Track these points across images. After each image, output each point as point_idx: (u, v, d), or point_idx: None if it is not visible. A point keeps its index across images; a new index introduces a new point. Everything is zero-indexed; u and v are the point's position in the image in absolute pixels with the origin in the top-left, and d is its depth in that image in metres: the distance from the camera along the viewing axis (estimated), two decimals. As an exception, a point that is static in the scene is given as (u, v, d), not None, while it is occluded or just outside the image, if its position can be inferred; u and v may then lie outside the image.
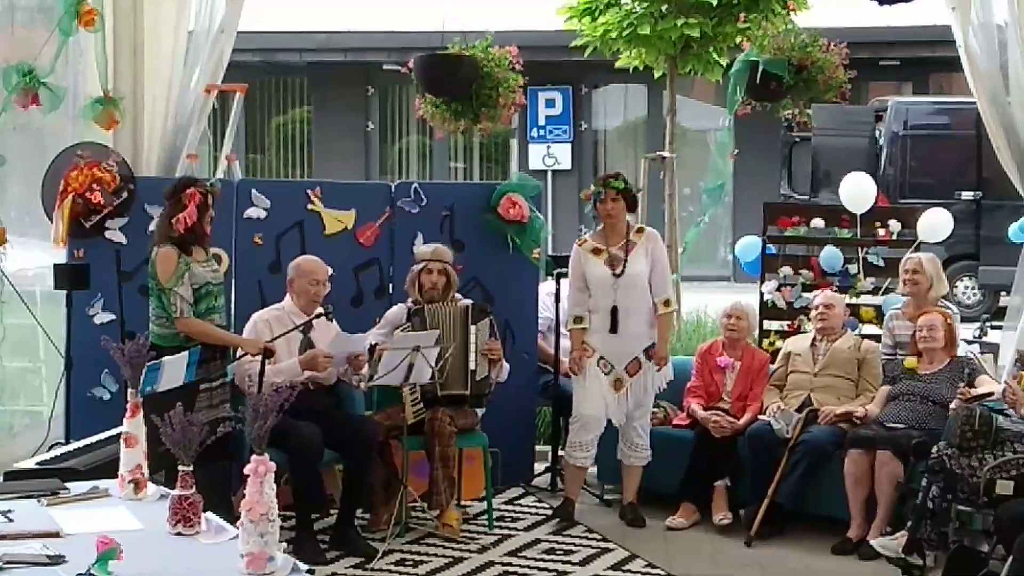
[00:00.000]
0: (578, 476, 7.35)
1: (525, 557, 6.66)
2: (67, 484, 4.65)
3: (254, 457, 3.75)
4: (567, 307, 7.37)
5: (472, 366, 6.99)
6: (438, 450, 6.83)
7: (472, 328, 7.01)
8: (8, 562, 3.67)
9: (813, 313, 7.60)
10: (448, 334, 6.95)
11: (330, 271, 6.97)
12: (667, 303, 7.24)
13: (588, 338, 7.16)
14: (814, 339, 7.54)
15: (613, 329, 7.10)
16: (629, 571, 6.47)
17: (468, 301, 7.22)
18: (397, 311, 7.21)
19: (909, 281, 7.47)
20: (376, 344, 6.86)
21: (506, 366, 7.22)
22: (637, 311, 7.12)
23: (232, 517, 4.32)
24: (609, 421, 7.23)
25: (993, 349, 7.98)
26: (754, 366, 7.58)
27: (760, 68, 9.44)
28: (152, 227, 6.72)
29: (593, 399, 7.14)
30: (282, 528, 3.88)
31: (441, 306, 7.06)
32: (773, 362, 7.76)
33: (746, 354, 7.63)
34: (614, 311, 7.08)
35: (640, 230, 7.27)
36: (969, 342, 7.80)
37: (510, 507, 7.57)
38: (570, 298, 7.31)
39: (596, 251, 7.18)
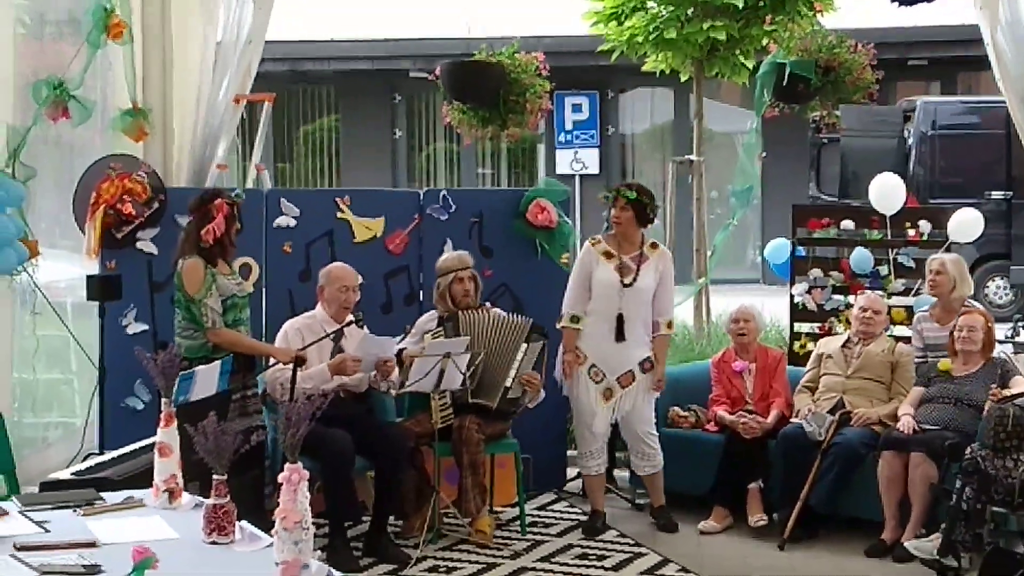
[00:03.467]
0: (597, 484, 7.33)
1: (558, 563, 6.66)
2: (102, 494, 4.67)
3: (288, 465, 3.75)
4: (565, 302, 7.18)
5: (508, 382, 7.00)
6: (466, 458, 6.84)
7: (523, 346, 7.02)
8: (45, 572, 3.69)
9: (856, 313, 7.52)
10: (480, 341, 6.97)
11: (360, 279, 6.99)
12: (670, 324, 7.26)
13: (580, 344, 7.12)
14: (847, 341, 7.51)
15: (620, 338, 7.05)
16: (662, 575, 6.46)
17: (500, 311, 7.22)
18: (428, 318, 7.24)
19: (931, 282, 7.44)
20: (403, 349, 6.88)
21: (542, 394, 7.20)
22: (638, 324, 7.09)
23: (266, 525, 4.34)
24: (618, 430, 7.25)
25: (1025, 349, 7.94)
26: (769, 364, 7.58)
27: (787, 70, 9.42)
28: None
29: (588, 407, 7.14)
30: (315, 536, 3.89)
31: (474, 313, 7.09)
32: (800, 364, 7.75)
33: (759, 355, 7.62)
34: (620, 319, 7.05)
35: (654, 246, 7.24)
36: (1001, 342, 7.75)
37: (543, 513, 7.57)
38: (570, 293, 7.18)
39: (608, 255, 7.14)
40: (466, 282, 7.13)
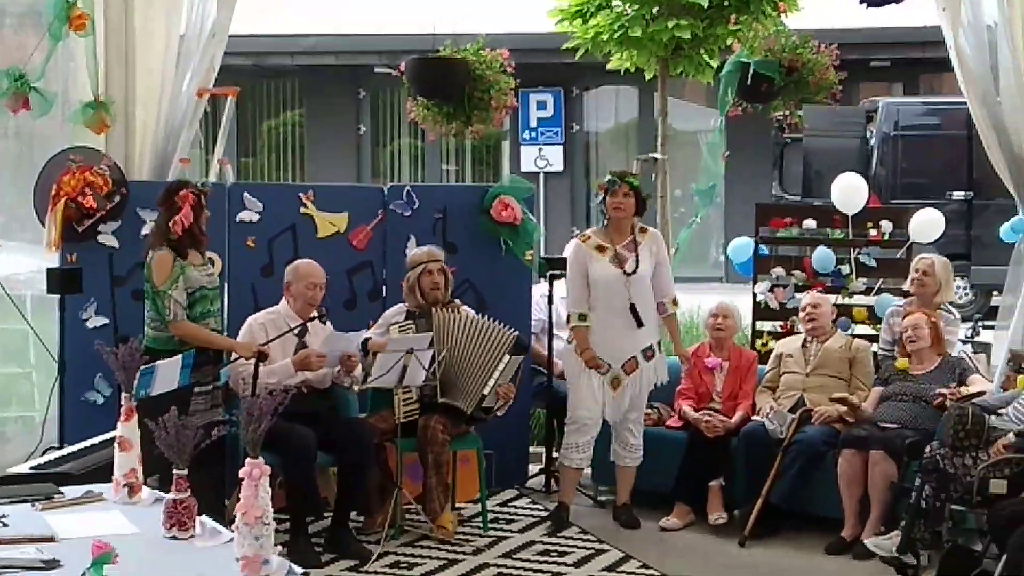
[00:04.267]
0: (573, 478, 7.34)
1: (520, 559, 6.67)
2: (61, 488, 4.64)
3: (249, 460, 3.74)
4: (569, 302, 7.24)
5: (486, 391, 6.99)
6: (431, 457, 6.83)
7: (506, 358, 7.01)
8: (3, 567, 3.66)
9: (801, 314, 7.62)
10: (452, 341, 6.96)
11: (326, 274, 6.96)
12: (675, 302, 7.30)
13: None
14: (805, 340, 7.56)
15: (640, 324, 7.06)
16: (624, 572, 6.48)
17: (471, 311, 7.21)
18: (395, 311, 7.20)
19: (917, 281, 7.47)
20: (369, 338, 6.86)
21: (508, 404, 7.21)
22: (648, 309, 7.12)
23: (226, 520, 4.32)
24: (604, 421, 7.23)
25: (985, 349, 7.99)
26: (742, 364, 7.61)
27: (751, 69, 9.44)
28: (146, 231, 6.72)
29: (588, 401, 7.13)
30: (276, 531, 3.87)
31: (447, 312, 7.07)
32: (763, 362, 7.79)
33: (733, 353, 7.65)
34: (633, 308, 7.04)
35: (644, 230, 7.26)
36: (962, 342, 7.81)
37: (504, 509, 7.58)
38: (572, 294, 7.21)
39: (600, 248, 7.14)
40: (435, 274, 7.11)
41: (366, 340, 6.84)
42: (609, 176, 7.25)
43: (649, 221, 11.12)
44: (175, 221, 6.15)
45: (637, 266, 7.08)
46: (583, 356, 7.09)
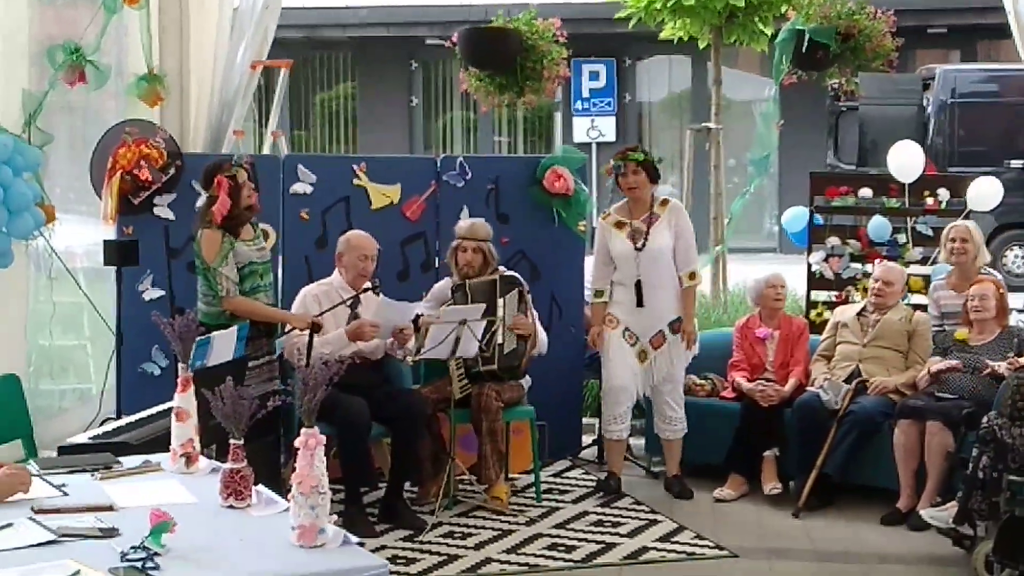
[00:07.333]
0: (618, 449, 7.35)
1: (573, 529, 6.67)
2: (119, 458, 4.68)
3: (304, 430, 3.76)
4: (591, 279, 7.40)
5: (499, 339, 6.98)
6: (485, 425, 6.84)
7: (499, 301, 6.99)
8: (63, 535, 3.71)
9: (871, 285, 7.52)
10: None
11: (378, 247, 6.98)
12: (692, 276, 7.24)
13: (612, 310, 7.19)
14: (862, 309, 7.49)
15: (639, 303, 7.10)
16: (677, 543, 6.47)
17: (505, 272, 7.18)
18: (443, 285, 7.20)
19: (957, 250, 7.40)
20: (421, 315, 6.86)
21: (543, 339, 7.18)
22: (661, 285, 7.10)
23: (282, 490, 4.35)
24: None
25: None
26: (792, 333, 7.57)
27: (806, 37, 9.37)
28: (199, 204, 6.75)
29: (620, 371, 7.16)
30: (332, 501, 3.89)
31: (479, 282, 7.05)
32: (817, 332, 7.73)
33: (783, 322, 7.61)
34: (638, 285, 7.08)
35: (664, 202, 7.22)
36: (1020, 311, 7.73)
37: (558, 479, 7.58)
38: (593, 271, 7.36)
39: (619, 224, 7.18)
40: (468, 252, 7.04)
41: (418, 316, 6.84)
42: (613, 161, 7.28)
43: (703, 191, 11.15)
44: (213, 211, 6.18)
45: (646, 242, 7.07)
46: (590, 333, 7.31)
